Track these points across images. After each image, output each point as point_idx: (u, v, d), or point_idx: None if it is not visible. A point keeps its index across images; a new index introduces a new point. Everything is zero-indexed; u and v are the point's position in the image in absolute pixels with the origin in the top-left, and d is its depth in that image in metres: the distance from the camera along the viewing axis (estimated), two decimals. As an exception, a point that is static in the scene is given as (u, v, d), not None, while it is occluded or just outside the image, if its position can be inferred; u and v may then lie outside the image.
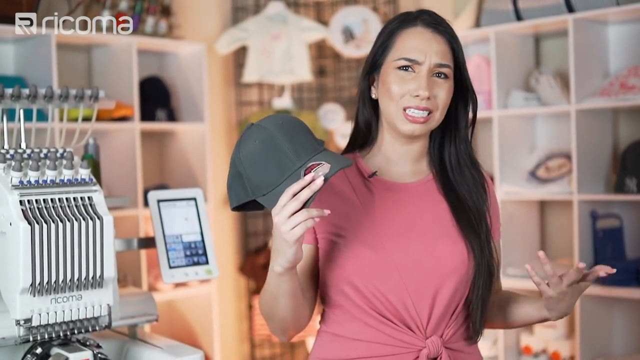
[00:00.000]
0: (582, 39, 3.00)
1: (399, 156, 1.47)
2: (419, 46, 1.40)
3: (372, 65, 1.46)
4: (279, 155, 1.26)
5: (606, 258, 2.97)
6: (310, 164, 1.25)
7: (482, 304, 1.42)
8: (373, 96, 1.47)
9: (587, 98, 2.98)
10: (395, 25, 1.45)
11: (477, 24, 3.32)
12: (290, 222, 1.22)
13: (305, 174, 1.24)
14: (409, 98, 1.38)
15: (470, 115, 1.49)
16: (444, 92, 1.40)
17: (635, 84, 2.88)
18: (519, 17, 3.15)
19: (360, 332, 1.40)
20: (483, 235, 1.42)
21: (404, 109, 1.39)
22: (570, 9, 3.00)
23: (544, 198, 3.18)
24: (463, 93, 1.46)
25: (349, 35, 3.76)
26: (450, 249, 1.39)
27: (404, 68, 1.40)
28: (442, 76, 1.40)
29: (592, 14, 2.94)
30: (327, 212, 1.24)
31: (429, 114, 1.39)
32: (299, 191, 1.22)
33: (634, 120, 3.13)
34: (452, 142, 1.48)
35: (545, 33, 3.29)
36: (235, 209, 1.34)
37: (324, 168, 1.24)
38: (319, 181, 1.22)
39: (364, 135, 1.51)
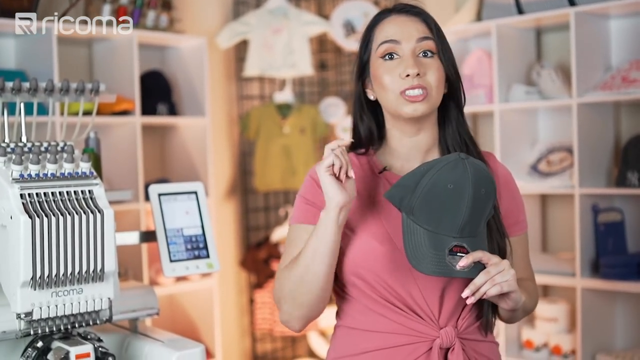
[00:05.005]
0: (584, 32, 2.99)
1: (409, 150, 1.47)
2: (395, 28, 1.43)
3: (361, 67, 1.48)
4: (450, 215, 1.28)
5: (607, 252, 2.97)
6: (461, 245, 1.29)
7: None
8: (372, 98, 1.48)
9: (589, 92, 2.97)
10: (372, 22, 1.48)
11: (479, 17, 3.30)
12: (323, 162, 1.31)
13: (452, 249, 1.28)
14: (401, 81, 1.39)
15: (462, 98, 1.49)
16: (433, 69, 1.41)
17: (637, 78, 2.87)
18: (520, 11, 3.14)
19: (374, 324, 1.41)
20: (493, 228, 1.42)
21: (401, 93, 1.39)
22: (572, 2, 2.99)
23: (546, 192, 3.17)
24: (448, 77, 1.46)
25: (350, 29, 3.75)
26: None
27: (388, 57, 1.42)
28: (429, 54, 1.41)
29: (593, 8, 2.93)
30: (351, 174, 1.31)
31: (425, 92, 1.39)
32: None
33: (636, 114, 3.12)
34: (451, 128, 1.48)
35: (546, 27, 3.28)
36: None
37: (466, 259, 1.27)
38: (343, 146, 1.34)
39: (368, 138, 1.51)
